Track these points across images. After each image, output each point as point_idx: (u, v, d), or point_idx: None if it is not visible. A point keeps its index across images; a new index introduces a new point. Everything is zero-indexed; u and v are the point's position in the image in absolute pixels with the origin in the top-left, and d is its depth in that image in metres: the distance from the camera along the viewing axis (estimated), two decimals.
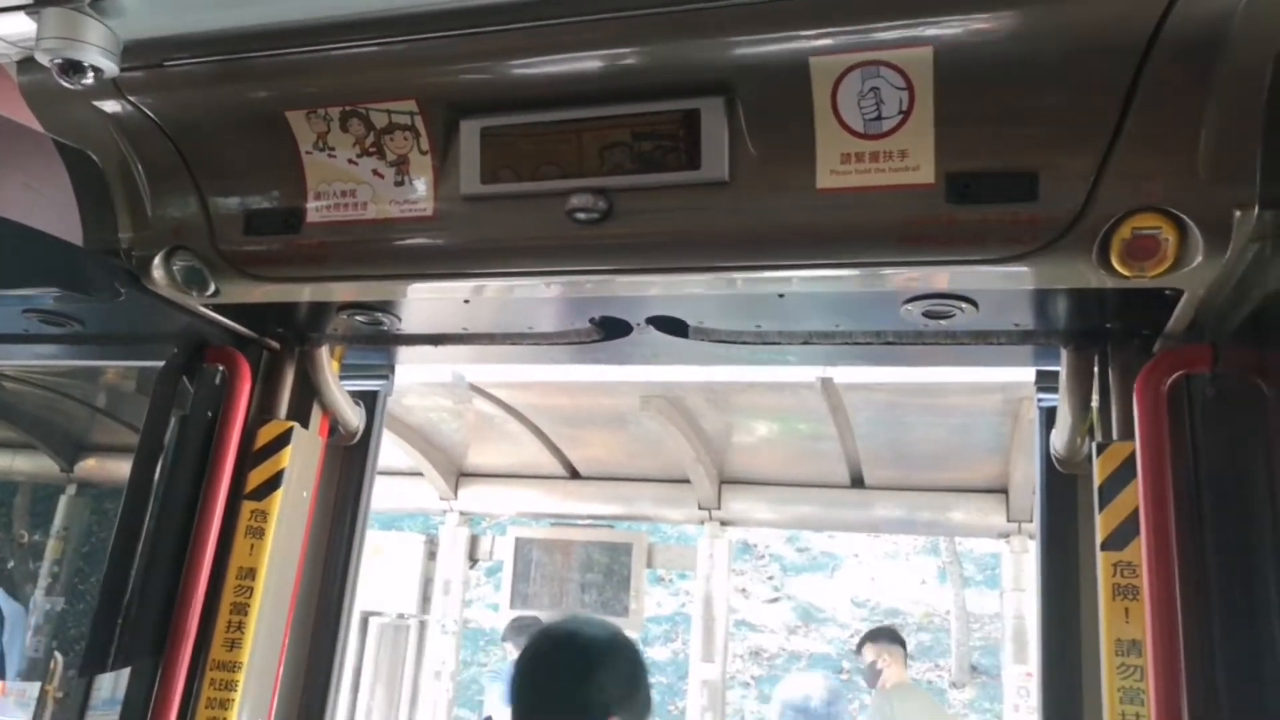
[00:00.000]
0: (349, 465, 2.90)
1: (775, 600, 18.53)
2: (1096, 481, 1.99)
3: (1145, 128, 1.59)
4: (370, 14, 1.79)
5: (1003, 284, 1.81)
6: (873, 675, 7.04)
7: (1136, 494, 1.88)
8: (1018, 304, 1.97)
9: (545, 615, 7.40)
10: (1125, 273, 1.66)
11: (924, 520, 7.28)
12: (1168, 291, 1.76)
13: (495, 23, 1.75)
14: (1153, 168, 1.62)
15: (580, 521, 8.10)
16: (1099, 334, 2.09)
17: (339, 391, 2.76)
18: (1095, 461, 2.01)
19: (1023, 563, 6.95)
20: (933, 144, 1.71)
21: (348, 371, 2.84)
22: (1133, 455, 1.90)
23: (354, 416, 2.84)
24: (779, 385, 5.76)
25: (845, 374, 5.33)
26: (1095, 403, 2.12)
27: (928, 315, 1.99)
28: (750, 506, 7.48)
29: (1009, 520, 6.95)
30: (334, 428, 2.84)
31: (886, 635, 7.40)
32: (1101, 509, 1.97)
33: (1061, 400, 2.21)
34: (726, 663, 7.71)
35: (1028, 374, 2.47)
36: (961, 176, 1.71)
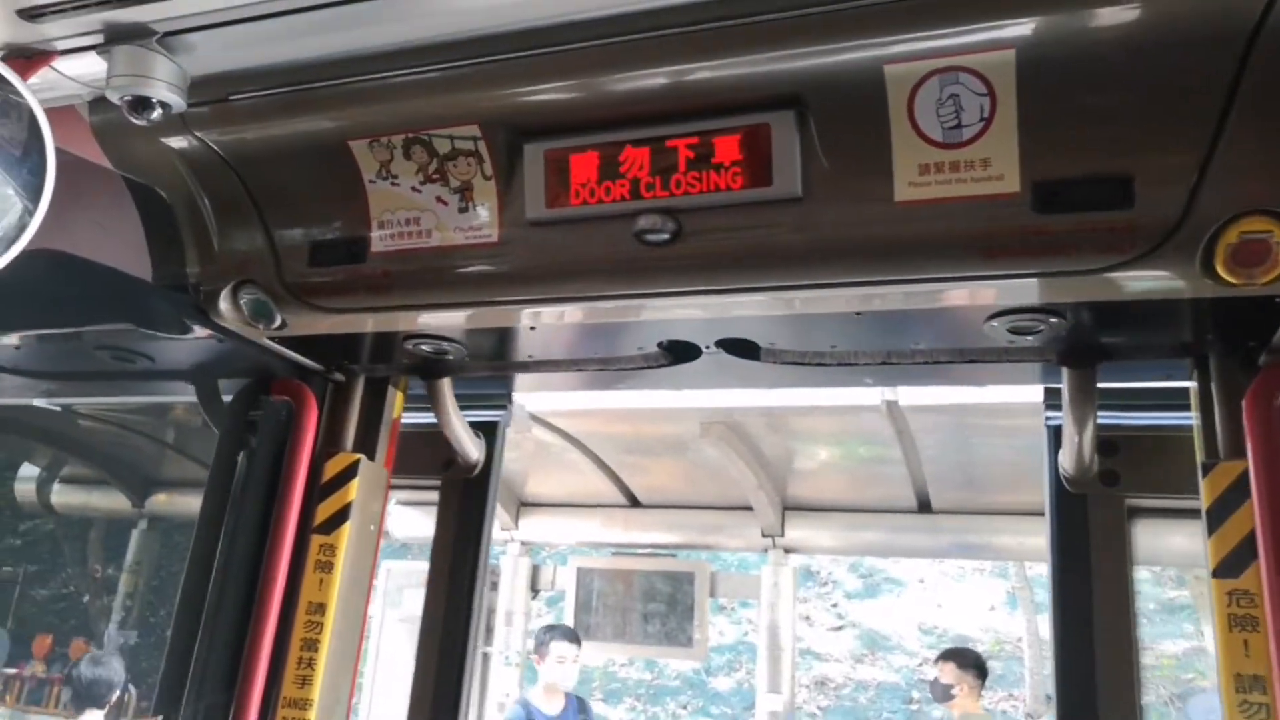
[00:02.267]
0: (468, 498, 2.81)
1: (839, 628, 18.17)
2: (1204, 504, 1.87)
3: (1250, 125, 1.50)
4: (432, 39, 1.77)
5: (1096, 295, 1.71)
6: (942, 693, 6.80)
7: (1252, 516, 1.75)
8: (1112, 317, 1.87)
9: (610, 646, 7.29)
10: (1232, 280, 1.55)
11: (994, 545, 7.06)
12: (1278, 299, 1.64)
13: (557, 43, 1.72)
14: (1260, 168, 1.51)
15: (641, 550, 8.02)
16: (1197, 347, 1.97)
17: (459, 423, 2.69)
18: (1201, 483, 1.89)
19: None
20: (1017, 151, 1.63)
21: (464, 402, 2.75)
22: (1244, 475, 1.78)
23: (474, 449, 2.77)
24: (842, 409, 5.64)
25: (911, 395, 5.20)
26: (1197, 420, 2.01)
27: (1014, 331, 1.90)
28: (813, 533, 7.33)
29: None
30: (451, 461, 2.78)
31: (972, 660, 7.09)
32: (1211, 533, 1.85)
33: (1066, 418, 2.12)
34: (793, 693, 7.54)
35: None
36: (1049, 184, 1.63)
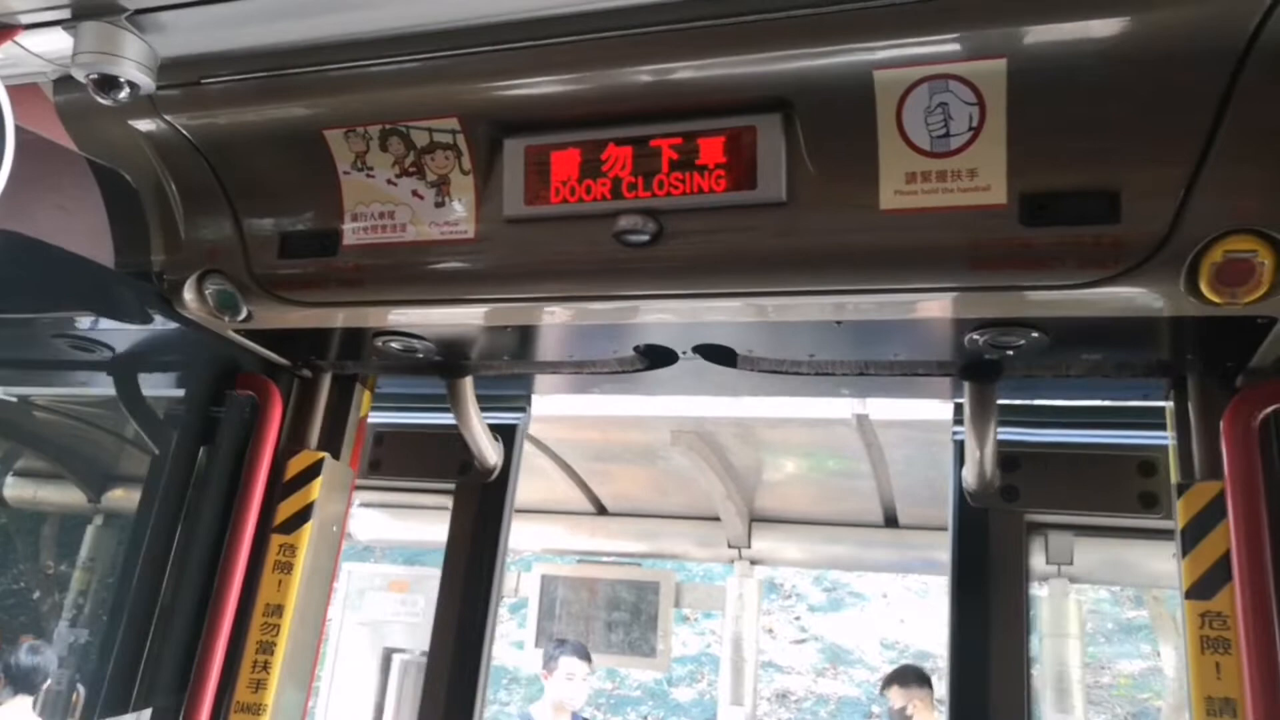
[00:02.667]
0: (486, 503, 2.74)
1: (802, 641, 18.19)
2: (1179, 524, 1.86)
3: (1239, 142, 1.49)
4: (413, 28, 1.73)
5: (1078, 311, 1.70)
6: (900, 717, 6.79)
7: (1227, 537, 1.75)
8: (1091, 333, 1.86)
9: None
10: (1215, 299, 1.54)
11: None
12: (1259, 320, 1.64)
13: (542, 37, 1.69)
14: (1247, 186, 1.51)
15: (606, 559, 7.96)
16: (1175, 366, 1.97)
17: (479, 425, 2.61)
18: (1176, 503, 1.88)
19: (1064, 607, 6.73)
20: (1005, 162, 1.61)
21: (482, 404, 2.67)
22: (1221, 495, 1.78)
23: (493, 452, 2.70)
24: (812, 421, 5.63)
25: (882, 410, 5.20)
26: (1172, 440, 2.00)
27: (994, 345, 1.88)
28: (780, 545, 7.31)
29: (1047, 563, 6.75)
30: (469, 464, 2.70)
31: (914, 676, 7.08)
32: (1185, 554, 1.84)
33: (968, 433, 2.13)
34: (755, 705, 7.51)
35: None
36: (1036, 197, 1.61)
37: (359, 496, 2.81)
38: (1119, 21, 1.45)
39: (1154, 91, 1.51)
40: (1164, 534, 2.17)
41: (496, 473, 2.74)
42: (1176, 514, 1.88)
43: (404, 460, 2.82)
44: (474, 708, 2.57)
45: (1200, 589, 1.81)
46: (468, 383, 2.54)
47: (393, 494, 2.85)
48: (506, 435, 2.77)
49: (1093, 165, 1.59)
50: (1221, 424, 1.79)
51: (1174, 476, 1.97)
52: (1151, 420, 2.17)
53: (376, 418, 2.79)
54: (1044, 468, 2.29)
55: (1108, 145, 1.57)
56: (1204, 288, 1.54)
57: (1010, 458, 2.28)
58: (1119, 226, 1.57)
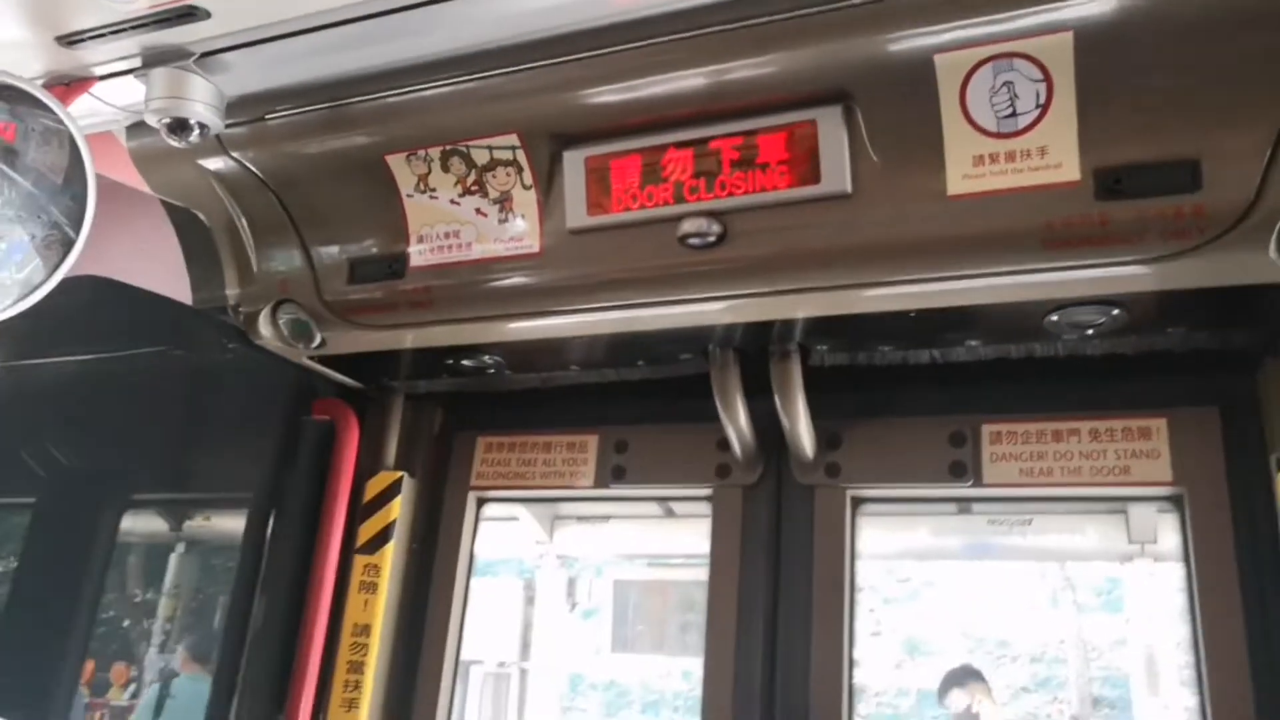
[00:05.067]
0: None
1: (877, 634, 17.98)
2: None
3: None
4: (467, 49, 1.75)
5: (1161, 284, 1.65)
6: (968, 717, 6.62)
7: None
8: (1176, 307, 1.79)
9: (648, 658, 7.20)
10: None
11: (1039, 546, 6.93)
12: None
13: (595, 48, 1.69)
14: None
15: (677, 560, 7.95)
16: (1269, 337, 1.90)
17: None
18: (1277, 476, 1.82)
19: (1149, 587, 6.55)
20: (1076, 138, 1.57)
21: None
22: None
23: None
24: None
25: None
26: (1267, 414, 1.93)
27: (1075, 325, 1.84)
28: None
29: (1130, 542, 6.56)
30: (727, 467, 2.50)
31: (972, 675, 6.94)
32: None
33: (787, 410, 2.16)
34: None
35: None
36: (1111, 171, 1.57)
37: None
38: None
39: (1230, 53, 1.46)
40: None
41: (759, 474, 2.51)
42: (1278, 487, 1.81)
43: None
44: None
45: None
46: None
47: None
48: None
49: (1169, 134, 1.54)
50: None
51: (1273, 452, 1.89)
52: None
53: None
54: (865, 444, 2.31)
55: (1183, 113, 1.53)
56: None
57: (833, 435, 2.30)
58: (1200, 195, 1.53)
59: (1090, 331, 1.87)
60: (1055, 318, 1.82)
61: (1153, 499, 2.23)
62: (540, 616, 8.13)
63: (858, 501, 2.32)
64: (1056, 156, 1.59)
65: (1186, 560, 2.00)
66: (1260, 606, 1.87)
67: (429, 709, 2.50)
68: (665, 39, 1.65)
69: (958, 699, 6.59)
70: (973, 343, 2.02)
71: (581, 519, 7.89)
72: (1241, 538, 1.93)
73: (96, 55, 1.67)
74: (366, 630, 2.48)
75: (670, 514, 5.00)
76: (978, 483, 2.18)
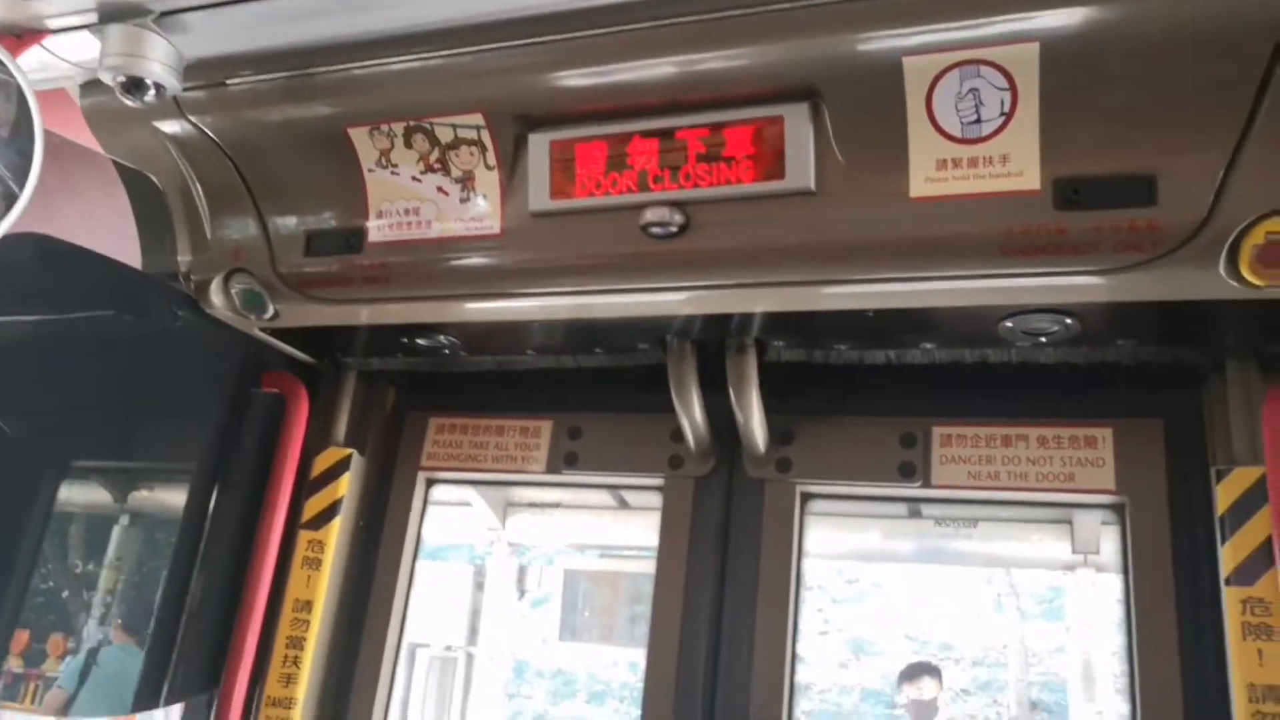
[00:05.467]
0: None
1: (824, 633, 18.17)
2: (1219, 510, 1.84)
3: (1279, 122, 1.46)
4: (436, 25, 1.72)
5: (1114, 296, 1.67)
6: (928, 710, 6.74)
7: (1268, 523, 1.72)
8: (1127, 320, 1.83)
9: (596, 648, 7.21)
10: (1257, 282, 1.52)
11: (986, 552, 7.03)
12: None
13: (565, 30, 1.68)
14: None
15: (629, 552, 7.95)
16: (1214, 351, 1.94)
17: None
18: (1215, 489, 1.86)
19: (1090, 597, 6.68)
20: (1038, 147, 1.59)
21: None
22: (1261, 481, 1.75)
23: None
24: None
25: None
26: (1210, 425, 1.97)
27: (1028, 333, 1.86)
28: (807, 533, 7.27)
29: (1074, 552, 6.69)
30: (678, 458, 2.47)
31: (927, 670, 7.09)
32: (1225, 540, 1.82)
33: (740, 404, 2.16)
34: None
35: None
36: (1070, 181, 1.59)
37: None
38: (1151, 3, 1.42)
39: (1191, 74, 1.48)
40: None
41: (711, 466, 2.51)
42: (1216, 500, 1.85)
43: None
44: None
45: (1241, 575, 1.78)
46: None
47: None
48: None
49: (1128, 149, 1.56)
50: (1263, 409, 1.77)
51: (1214, 463, 1.93)
52: None
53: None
54: (816, 439, 2.34)
55: (1143, 130, 1.55)
56: (1245, 270, 1.52)
57: (785, 430, 2.33)
58: (1156, 210, 1.55)
59: (1044, 339, 1.90)
60: (1010, 324, 1.84)
61: (1096, 506, 2.26)
62: (489, 603, 8.10)
63: (807, 497, 2.35)
64: (1018, 164, 1.61)
65: (1125, 568, 2.04)
66: (1193, 616, 1.92)
67: (369, 688, 2.49)
68: (636, 26, 1.64)
69: (928, 686, 6.69)
70: (928, 345, 2.03)
71: (534, 506, 7.88)
72: (1180, 548, 1.97)
73: (50, 7, 1.62)
74: (308, 606, 2.45)
75: (624, 505, 4.98)
76: (926, 484, 2.21)
